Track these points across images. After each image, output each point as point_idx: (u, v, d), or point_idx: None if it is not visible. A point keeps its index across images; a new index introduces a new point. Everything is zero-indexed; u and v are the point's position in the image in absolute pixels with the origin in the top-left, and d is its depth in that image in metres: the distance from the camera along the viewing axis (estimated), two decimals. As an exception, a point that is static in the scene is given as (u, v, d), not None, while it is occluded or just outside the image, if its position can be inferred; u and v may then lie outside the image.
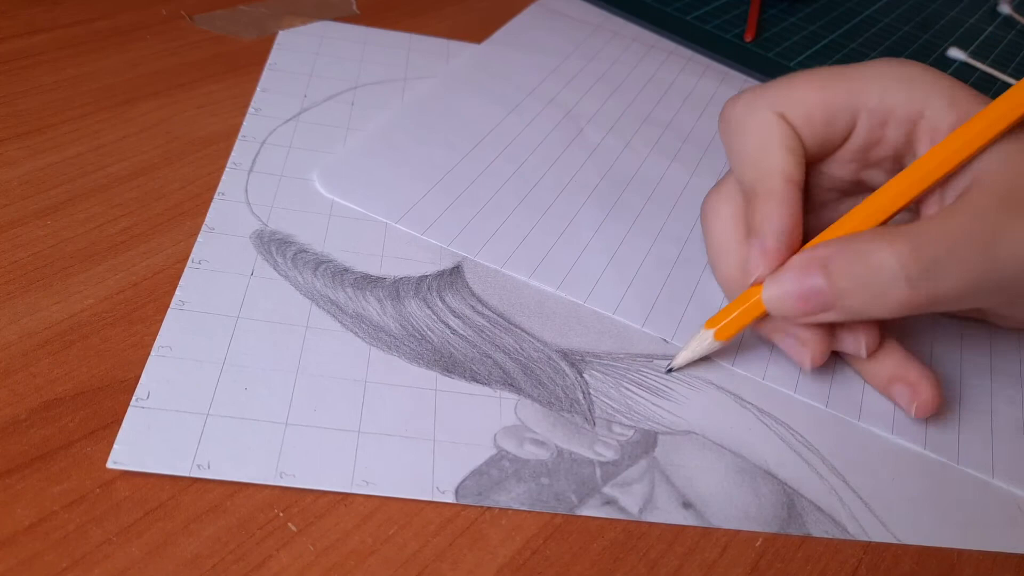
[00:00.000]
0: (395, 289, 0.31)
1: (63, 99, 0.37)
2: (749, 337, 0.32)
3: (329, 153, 0.36)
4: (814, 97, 0.29)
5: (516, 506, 0.25)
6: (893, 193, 0.27)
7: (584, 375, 0.29)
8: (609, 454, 0.27)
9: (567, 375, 0.29)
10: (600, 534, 0.25)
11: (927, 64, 0.29)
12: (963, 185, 0.27)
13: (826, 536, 0.26)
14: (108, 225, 0.32)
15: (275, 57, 0.42)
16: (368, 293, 0.31)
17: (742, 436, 0.29)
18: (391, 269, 0.32)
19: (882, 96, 0.28)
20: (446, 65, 0.44)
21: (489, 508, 0.25)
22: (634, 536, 0.25)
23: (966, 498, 0.28)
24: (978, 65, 0.54)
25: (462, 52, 0.45)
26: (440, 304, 0.31)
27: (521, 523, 0.25)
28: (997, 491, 0.29)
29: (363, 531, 0.24)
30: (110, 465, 0.24)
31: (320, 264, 0.31)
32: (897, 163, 0.29)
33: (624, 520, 0.26)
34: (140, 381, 0.26)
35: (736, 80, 0.48)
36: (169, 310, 0.28)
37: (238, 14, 0.45)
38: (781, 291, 0.27)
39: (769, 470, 0.28)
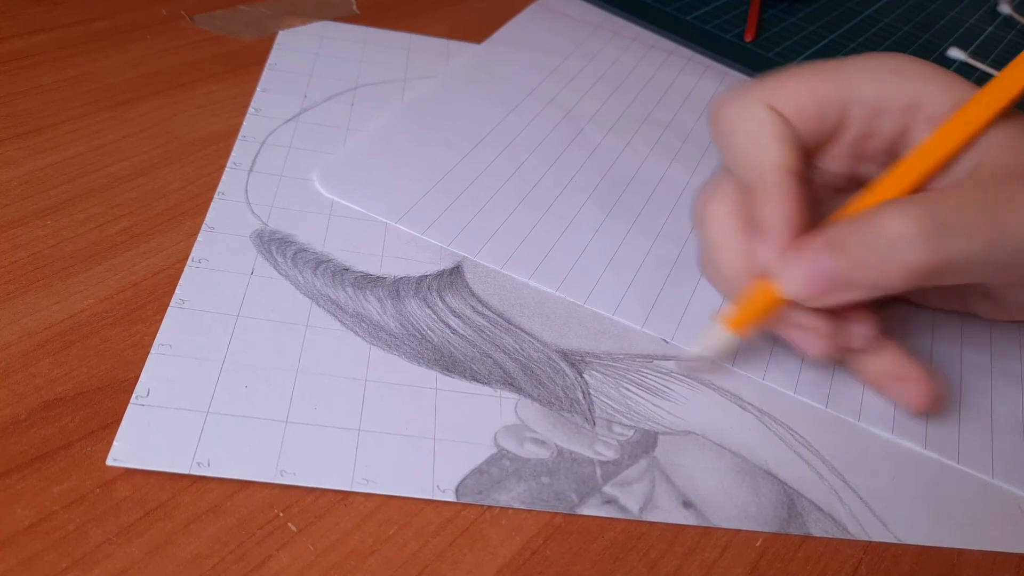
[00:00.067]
0: (395, 289, 0.31)
1: (63, 99, 0.37)
2: (749, 337, 0.32)
3: (329, 153, 0.36)
4: (804, 91, 0.29)
5: (517, 505, 0.25)
6: (900, 176, 0.27)
7: (584, 375, 0.29)
8: (609, 453, 0.27)
9: (567, 375, 0.29)
10: (600, 534, 0.25)
11: (933, 65, 0.29)
12: (965, 169, 0.27)
13: (826, 536, 0.26)
14: (108, 225, 0.32)
15: (275, 57, 0.42)
16: (368, 292, 0.31)
17: (742, 436, 0.29)
18: (391, 269, 0.32)
19: (874, 88, 0.28)
20: (446, 65, 0.44)
21: (489, 508, 0.25)
22: (634, 536, 0.25)
23: (966, 498, 0.28)
24: (978, 65, 0.54)
25: (462, 52, 0.45)
26: (440, 304, 0.31)
27: (521, 523, 0.25)
28: (997, 491, 0.29)
29: (363, 531, 0.24)
30: (110, 462, 0.24)
31: (320, 264, 0.31)
32: (891, 155, 0.29)
33: (624, 520, 0.26)
34: (140, 379, 0.26)
35: (736, 80, 0.48)
36: (169, 308, 0.28)
37: (238, 14, 0.45)
38: (797, 276, 0.27)
39: (769, 470, 0.28)
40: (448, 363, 0.29)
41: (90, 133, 0.36)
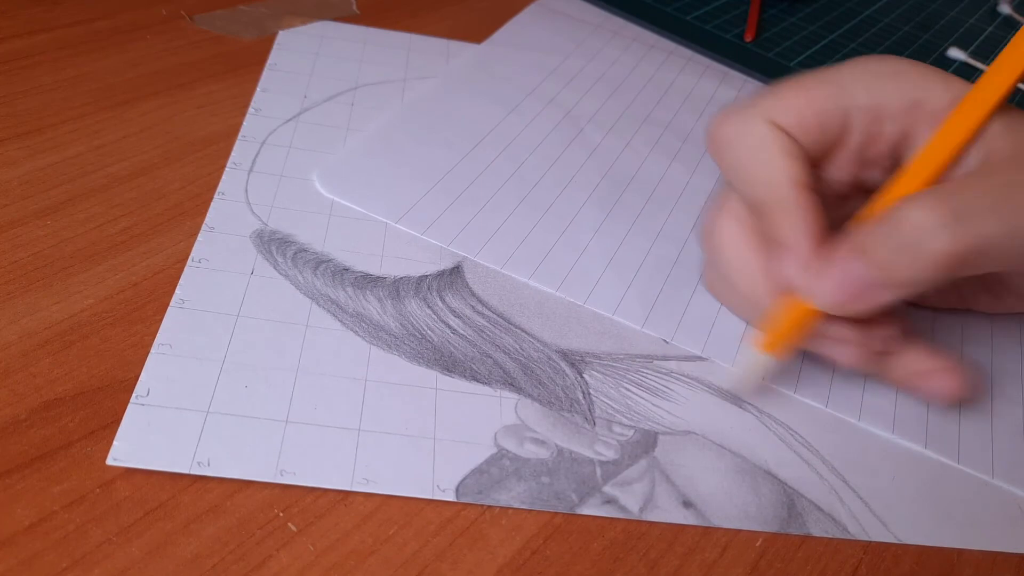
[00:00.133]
0: (395, 289, 0.31)
1: (63, 99, 0.37)
2: (747, 337, 0.32)
3: (329, 153, 0.36)
4: (804, 103, 0.28)
5: (517, 505, 0.25)
6: (913, 175, 0.27)
7: (584, 375, 0.29)
8: (609, 453, 0.27)
9: (567, 375, 0.29)
10: (600, 534, 0.25)
11: (928, 63, 0.29)
12: (977, 159, 0.27)
13: (826, 536, 0.26)
14: (108, 225, 0.32)
15: (275, 57, 0.42)
16: (368, 292, 0.31)
17: (742, 436, 0.29)
18: (391, 269, 0.32)
19: (872, 93, 0.28)
20: (446, 65, 0.44)
21: (489, 508, 0.25)
22: (634, 536, 0.25)
23: (966, 498, 0.28)
24: (978, 65, 0.54)
25: (462, 52, 0.45)
26: (440, 304, 0.31)
27: (521, 523, 0.25)
28: (997, 491, 0.29)
29: (363, 531, 0.24)
30: (110, 462, 0.24)
31: (320, 263, 0.31)
32: (894, 159, 0.29)
33: (624, 520, 0.26)
34: (140, 379, 0.26)
35: (736, 80, 0.48)
36: (169, 308, 0.28)
37: (238, 14, 0.45)
38: (830, 284, 0.27)
39: (769, 470, 0.28)
40: (448, 363, 0.29)
41: (90, 133, 0.36)
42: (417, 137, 0.38)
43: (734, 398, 0.30)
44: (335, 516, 0.24)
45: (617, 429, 0.28)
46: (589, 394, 0.29)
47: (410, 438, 0.26)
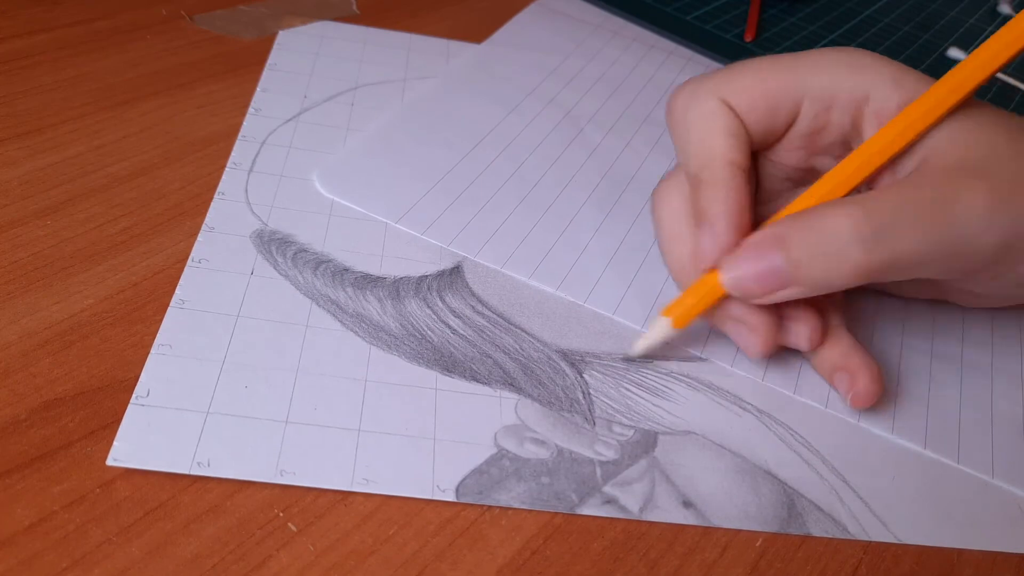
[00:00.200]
0: (395, 289, 0.31)
1: (63, 99, 0.37)
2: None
3: (329, 153, 0.36)
4: (757, 84, 0.29)
5: (517, 505, 0.25)
6: (844, 173, 0.28)
7: (584, 375, 0.29)
8: (609, 453, 0.27)
9: (567, 375, 0.29)
10: (600, 534, 0.25)
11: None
12: (913, 164, 0.27)
13: (826, 536, 0.26)
14: (108, 225, 0.32)
15: (275, 57, 0.42)
16: (368, 293, 0.31)
17: (742, 436, 0.29)
18: (391, 269, 0.32)
19: (825, 81, 0.28)
20: (446, 65, 0.44)
21: (489, 508, 0.25)
22: (634, 536, 0.25)
23: (966, 498, 0.28)
24: (978, 65, 0.54)
25: (462, 52, 0.45)
26: (440, 304, 0.31)
27: (521, 523, 0.25)
28: (997, 491, 0.29)
29: (363, 531, 0.24)
30: (110, 462, 0.24)
31: (320, 264, 0.31)
32: (845, 148, 0.29)
33: (624, 520, 0.26)
34: (140, 379, 0.26)
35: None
36: (169, 308, 0.28)
37: (238, 14, 0.45)
38: (740, 271, 0.27)
39: (769, 470, 0.28)
40: (448, 363, 0.29)
41: (90, 133, 0.36)
42: (417, 137, 0.38)
43: (734, 398, 0.30)
44: (335, 516, 0.24)
45: (617, 429, 0.28)
46: (589, 394, 0.29)
47: (410, 438, 0.26)
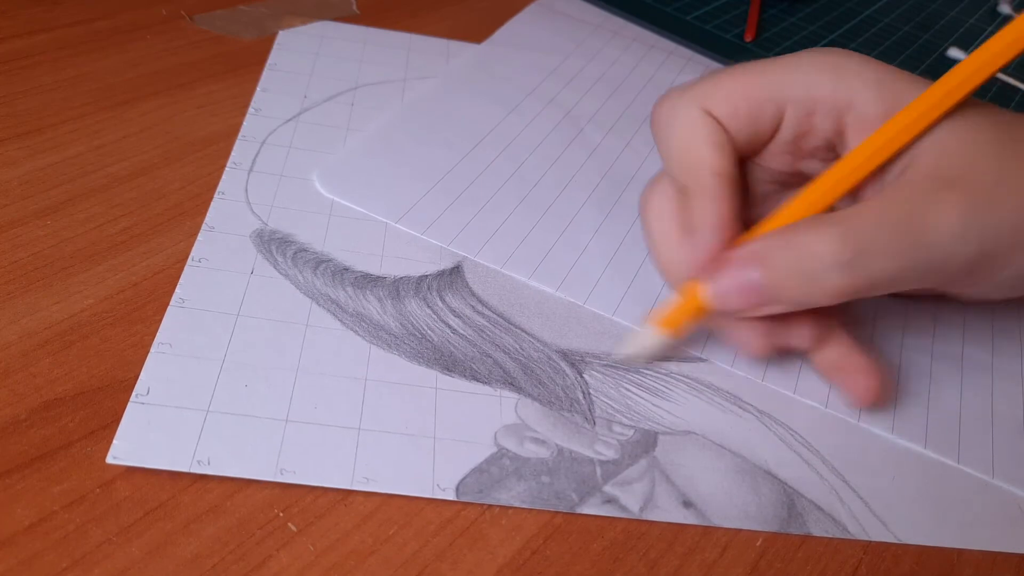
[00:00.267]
0: (395, 288, 0.31)
1: (63, 99, 0.37)
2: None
3: (329, 153, 0.36)
4: (738, 91, 0.28)
5: (517, 504, 0.25)
6: (828, 183, 0.27)
7: (584, 375, 0.29)
8: (609, 453, 0.27)
9: (567, 375, 0.29)
10: (600, 534, 0.25)
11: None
12: (898, 170, 0.27)
13: (826, 536, 0.26)
14: (108, 225, 0.32)
15: (275, 57, 0.42)
16: (368, 292, 0.31)
17: (742, 436, 0.29)
18: (391, 268, 0.32)
19: (807, 86, 0.28)
20: (446, 65, 0.44)
21: (489, 508, 0.25)
22: (634, 536, 0.25)
23: (966, 498, 0.28)
24: (978, 65, 0.54)
25: (462, 52, 0.45)
26: (440, 304, 0.31)
27: (521, 523, 0.25)
28: (997, 491, 0.29)
29: (363, 531, 0.24)
30: (110, 460, 0.24)
31: (320, 263, 0.31)
32: (831, 151, 0.29)
33: (624, 520, 0.26)
34: (140, 378, 0.26)
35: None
36: (169, 308, 0.28)
37: (238, 14, 0.45)
38: (721, 288, 0.27)
39: (769, 470, 0.28)
40: (448, 362, 0.29)
41: (90, 133, 0.36)
42: (417, 137, 0.38)
43: (734, 398, 0.30)
44: (335, 516, 0.24)
45: (617, 429, 0.28)
46: (589, 394, 0.29)
47: (410, 437, 0.26)
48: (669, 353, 0.31)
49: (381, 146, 0.37)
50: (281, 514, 0.24)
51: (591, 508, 0.26)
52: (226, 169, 0.35)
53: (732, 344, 0.30)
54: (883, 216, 0.26)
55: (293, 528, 0.24)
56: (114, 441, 0.24)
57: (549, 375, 0.29)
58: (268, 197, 0.34)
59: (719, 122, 0.28)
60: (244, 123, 0.37)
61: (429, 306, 0.31)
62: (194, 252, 0.31)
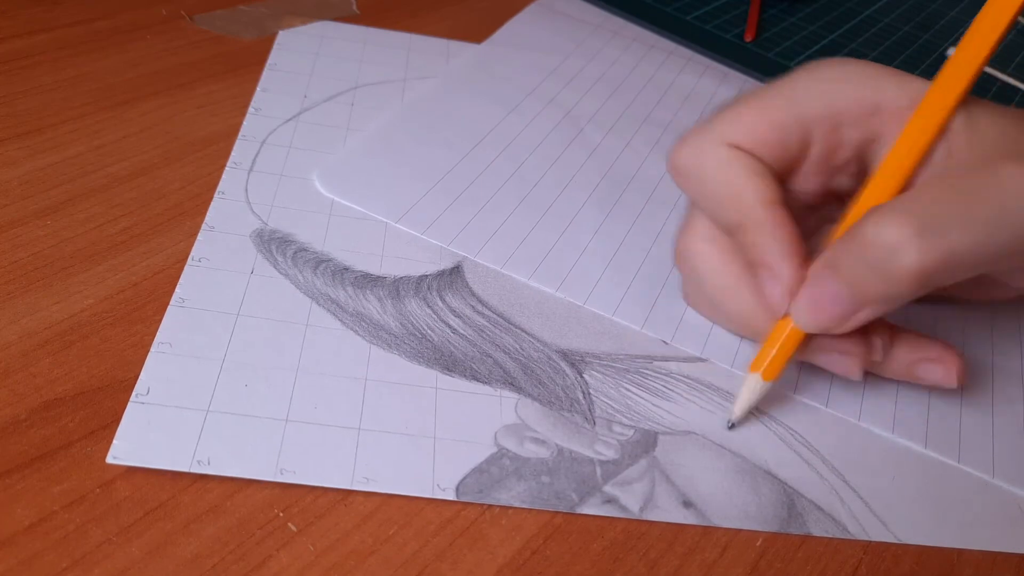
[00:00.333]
0: (395, 288, 0.31)
1: (63, 99, 0.37)
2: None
3: (329, 153, 0.36)
4: (761, 121, 0.28)
5: (517, 504, 0.25)
6: (881, 182, 0.27)
7: (584, 375, 0.29)
8: (609, 453, 0.27)
9: (567, 375, 0.29)
10: (600, 534, 0.25)
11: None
12: (943, 156, 0.27)
13: (826, 536, 0.26)
14: (108, 225, 0.32)
15: (275, 57, 0.42)
16: (368, 292, 0.31)
17: (742, 436, 0.29)
18: (391, 268, 0.32)
19: (828, 102, 0.28)
20: (446, 65, 0.44)
21: (489, 508, 0.25)
22: (634, 536, 0.25)
23: (967, 498, 0.28)
24: (978, 65, 0.54)
25: (462, 52, 0.45)
26: (440, 303, 0.31)
27: (521, 523, 0.25)
28: (998, 491, 0.29)
29: (363, 531, 0.24)
30: (109, 460, 0.24)
31: (320, 263, 0.31)
32: (861, 163, 0.29)
33: (624, 520, 0.26)
34: (140, 378, 0.26)
35: (736, 80, 0.48)
36: (169, 307, 0.28)
37: (238, 14, 0.45)
38: (807, 309, 0.27)
39: (769, 470, 0.28)
40: (448, 362, 0.29)
41: (90, 133, 0.36)
42: (417, 137, 0.38)
43: (734, 398, 0.30)
44: (335, 516, 0.24)
45: (617, 429, 0.28)
46: (589, 394, 0.29)
47: (410, 437, 0.26)
48: (669, 353, 0.31)
49: (381, 146, 0.37)
50: (281, 514, 0.24)
51: (591, 508, 0.26)
52: (226, 169, 0.35)
53: (833, 371, 0.29)
54: (946, 188, 0.25)
55: (293, 528, 0.24)
56: (114, 441, 0.24)
57: (549, 375, 0.29)
58: (268, 197, 0.34)
59: (752, 154, 0.28)
60: (244, 123, 0.37)
61: (429, 306, 0.31)
62: (194, 252, 0.31)
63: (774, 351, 0.28)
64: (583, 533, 0.25)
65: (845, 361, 0.28)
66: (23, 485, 0.23)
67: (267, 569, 0.23)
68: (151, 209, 0.33)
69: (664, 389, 0.30)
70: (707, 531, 0.26)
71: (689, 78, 0.47)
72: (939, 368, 0.29)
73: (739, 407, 0.29)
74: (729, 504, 0.27)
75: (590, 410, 0.28)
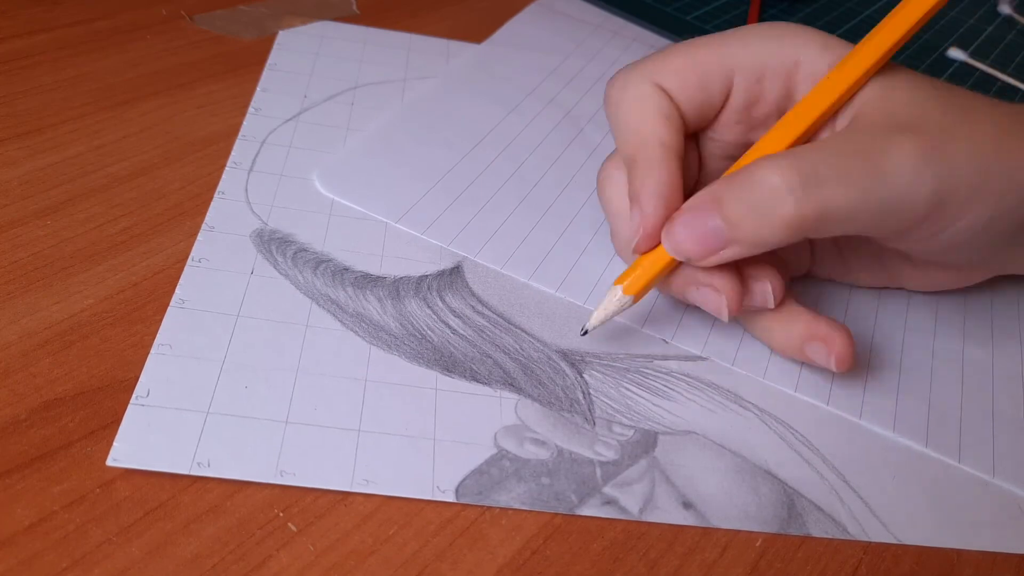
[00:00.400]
0: (395, 288, 0.31)
1: (63, 99, 0.37)
2: (747, 336, 0.32)
3: (329, 153, 0.36)
4: (687, 64, 0.29)
5: (517, 505, 0.25)
6: (780, 132, 0.28)
7: (584, 375, 0.29)
8: (609, 454, 0.27)
9: (567, 375, 0.29)
10: (600, 534, 0.25)
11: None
12: (845, 122, 0.28)
13: (826, 536, 0.26)
14: (108, 225, 0.32)
15: (275, 57, 0.42)
16: (368, 292, 0.31)
17: (742, 436, 0.29)
18: (391, 269, 0.32)
19: (754, 54, 0.29)
20: (446, 65, 0.44)
21: (489, 508, 0.25)
22: (634, 536, 0.25)
23: (967, 498, 0.28)
24: (978, 65, 0.54)
25: (462, 52, 0.45)
26: (440, 304, 0.31)
27: (521, 523, 0.25)
28: (998, 491, 0.29)
29: (363, 531, 0.24)
30: (110, 463, 0.24)
31: (320, 263, 0.31)
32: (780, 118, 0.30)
33: (624, 520, 0.26)
34: (140, 379, 0.26)
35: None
36: (169, 308, 0.28)
37: (238, 14, 0.45)
38: (680, 234, 0.27)
39: (769, 470, 0.28)
40: (448, 363, 0.29)
41: (90, 133, 0.36)
42: (417, 137, 0.38)
43: (735, 397, 0.30)
44: (335, 516, 0.24)
45: (617, 429, 0.28)
46: (589, 394, 0.29)
47: (410, 438, 0.26)
48: (669, 353, 0.31)
49: (381, 146, 0.37)
50: (281, 514, 0.24)
51: (591, 509, 0.26)
52: (226, 169, 0.35)
53: (703, 308, 0.29)
54: (836, 148, 0.26)
55: (293, 528, 0.24)
56: (114, 443, 0.24)
57: (549, 375, 0.29)
58: (268, 197, 0.34)
59: (669, 95, 0.29)
60: (244, 123, 0.37)
61: (429, 306, 0.31)
62: (194, 252, 0.31)
63: (641, 268, 0.29)
64: (583, 533, 0.25)
65: (715, 298, 0.29)
66: (23, 485, 0.23)
67: (267, 569, 0.23)
68: (151, 209, 0.33)
69: (664, 388, 0.30)
70: (707, 531, 0.26)
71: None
72: (822, 348, 0.29)
73: (596, 316, 0.29)
74: (729, 504, 0.27)
75: (590, 410, 0.28)
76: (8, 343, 0.27)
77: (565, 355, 0.30)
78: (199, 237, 0.31)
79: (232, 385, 0.27)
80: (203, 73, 0.40)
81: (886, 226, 0.27)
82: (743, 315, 0.31)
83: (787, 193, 0.25)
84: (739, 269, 0.29)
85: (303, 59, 0.42)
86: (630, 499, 0.26)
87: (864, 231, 0.27)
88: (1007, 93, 0.52)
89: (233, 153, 0.36)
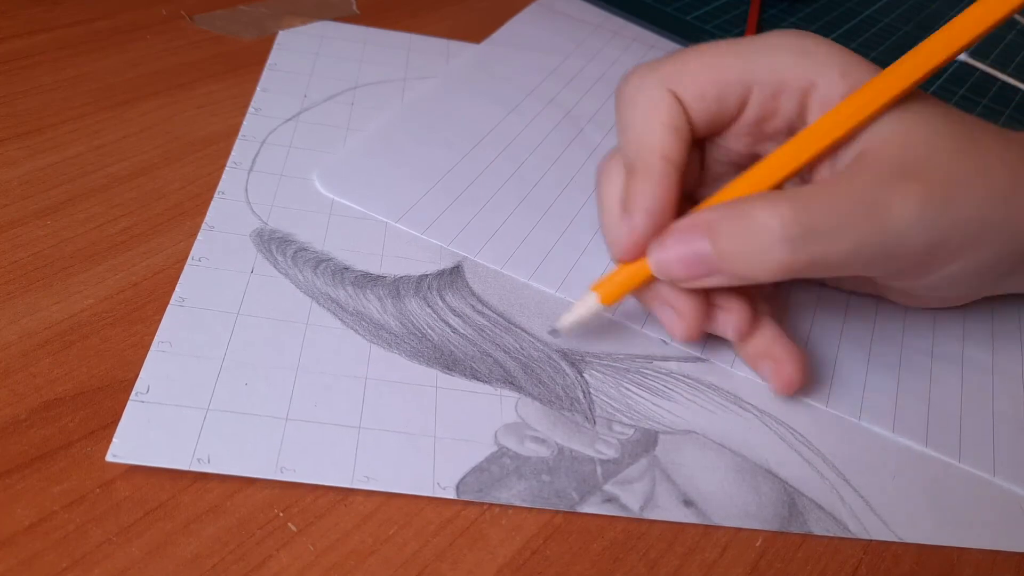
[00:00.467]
0: (395, 288, 0.31)
1: (63, 99, 0.37)
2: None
3: (329, 153, 0.36)
4: (706, 72, 0.28)
5: (517, 503, 0.25)
6: (781, 159, 0.27)
7: (584, 374, 0.29)
8: (610, 452, 0.27)
9: (567, 374, 0.29)
10: (600, 534, 0.25)
11: (842, 48, 0.29)
12: (852, 156, 0.27)
13: (827, 535, 0.26)
14: (108, 225, 0.32)
15: (275, 57, 0.42)
16: (368, 291, 0.31)
17: (742, 436, 0.29)
18: (391, 268, 0.32)
19: (774, 68, 0.28)
20: (446, 65, 0.44)
21: (489, 508, 0.25)
22: (634, 536, 0.25)
23: (967, 497, 0.28)
24: (978, 65, 0.54)
25: (462, 52, 0.45)
26: (440, 303, 0.31)
27: (521, 523, 0.25)
28: (998, 490, 0.29)
29: (363, 531, 0.24)
30: (109, 458, 0.24)
31: (320, 262, 0.31)
32: (790, 136, 0.29)
33: (624, 520, 0.26)
34: (139, 376, 0.26)
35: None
36: (169, 306, 0.28)
37: (238, 14, 0.45)
38: (666, 255, 0.27)
39: (770, 469, 0.28)
40: (448, 361, 0.29)
41: (90, 133, 0.36)
42: (417, 137, 0.38)
43: (735, 398, 0.30)
44: (335, 516, 0.24)
45: (617, 428, 0.28)
46: (589, 393, 0.29)
47: (410, 436, 0.26)
48: (669, 354, 0.31)
49: (381, 146, 0.37)
50: (281, 514, 0.24)
51: (591, 507, 0.26)
52: (226, 169, 0.35)
53: (662, 324, 0.29)
54: (838, 197, 0.26)
55: (293, 528, 0.24)
56: (114, 439, 0.24)
57: (549, 374, 0.29)
58: (268, 197, 0.34)
59: (683, 104, 0.28)
60: (244, 123, 0.37)
61: (429, 305, 0.31)
62: (194, 252, 0.31)
63: (620, 278, 0.29)
64: (583, 533, 0.25)
65: (674, 320, 0.29)
66: (23, 485, 0.23)
67: (267, 569, 0.23)
68: (151, 209, 0.33)
69: (664, 389, 0.30)
70: (707, 531, 0.26)
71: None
72: (771, 368, 0.29)
73: (568, 318, 0.29)
74: (729, 503, 0.27)
75: (590, 409, 0.28)
76: (8, 343, 0.27)
77: (565, 355, 0.30)
78: (199, 237, 0.31)
79: (232, 382, 0.27)
80: (203, 73, 0.40)
81: (877, 270, 0.27)
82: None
83: (784, 241, 0.25)
84: (708, 294, 0.29)
85: (303, 59, 0.42)
86: (631, 497, 0.26)
87: (854, 273, 0.27)
88: (1007, 93, 0.52)
89: (233, 153, 0.36)
